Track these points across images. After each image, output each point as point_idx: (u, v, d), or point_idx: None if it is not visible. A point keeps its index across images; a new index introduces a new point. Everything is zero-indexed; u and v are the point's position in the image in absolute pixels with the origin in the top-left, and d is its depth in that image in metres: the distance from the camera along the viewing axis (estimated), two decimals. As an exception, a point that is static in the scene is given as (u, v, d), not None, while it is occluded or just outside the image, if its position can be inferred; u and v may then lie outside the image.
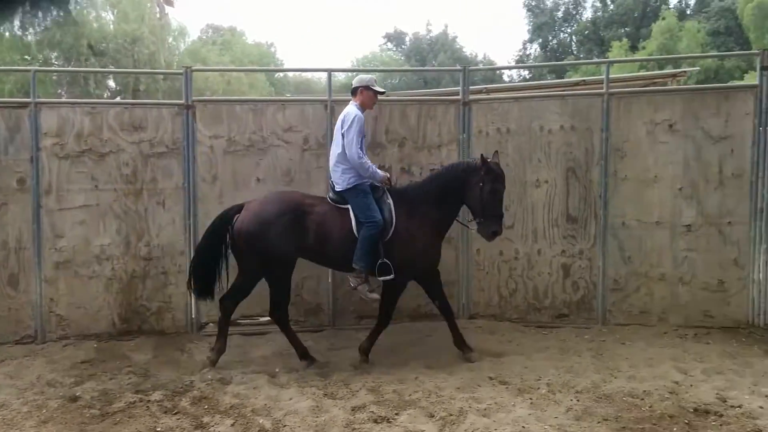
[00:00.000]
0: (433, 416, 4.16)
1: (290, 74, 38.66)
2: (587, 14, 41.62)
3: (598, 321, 6.20)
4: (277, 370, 5.21)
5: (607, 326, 6.15)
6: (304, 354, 5.36)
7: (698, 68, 14.39)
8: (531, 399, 4.44)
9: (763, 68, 5.82)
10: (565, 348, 5.60)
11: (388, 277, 5.17)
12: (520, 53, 44.07)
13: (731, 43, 31.48)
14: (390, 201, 5.29)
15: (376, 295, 5.28)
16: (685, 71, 10.72)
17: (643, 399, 4.39)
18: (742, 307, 5.98)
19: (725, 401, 4.31)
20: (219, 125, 6.22)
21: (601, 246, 6.17)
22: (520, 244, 6.33)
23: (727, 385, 4.61)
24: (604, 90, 6.14)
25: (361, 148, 5.26)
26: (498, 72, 36.97)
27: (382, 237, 5.16)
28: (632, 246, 6.13)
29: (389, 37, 49.54)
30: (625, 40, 34.25)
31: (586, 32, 39.86)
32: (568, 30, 42.68)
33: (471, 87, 6.79)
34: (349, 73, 11.92)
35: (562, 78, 26.33)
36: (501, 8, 71.60)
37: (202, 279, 5.37)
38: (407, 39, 49.24)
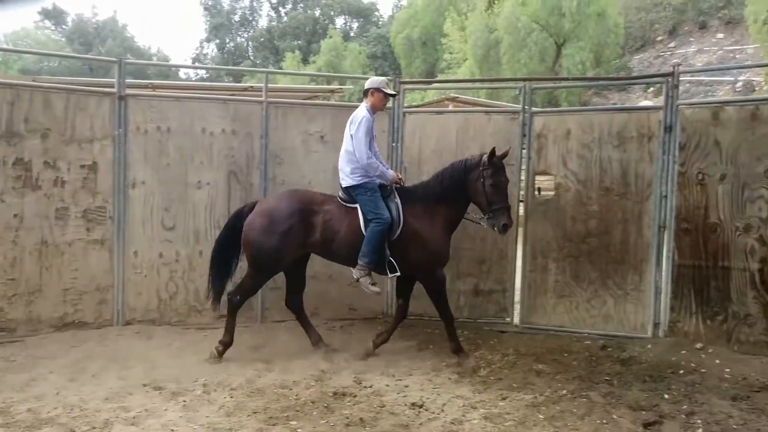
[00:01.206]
0: (73, 432, 3.83)
1: None
2: (263, 22, 43.13)
3: (257, 320, 6.46)
4: None
5: (265, 324, 6.44)
6: (317, 341, 5.62)
7: (352, 87, 16.24)
8: (185, 401, 4.41)
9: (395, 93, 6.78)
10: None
11: (395, 275, 5.35)
12: (197, 52, 43.41)
13: (386, 67, 36.03)
14: (398, 200, 5.38)
15: (377, 289, 5.43)
16: (341, 88, 11.91)
17: (291, 389, 4.71)
18: (378, 300, 6.86)
19: (360, 383, 4.89)
20: None
21: (260, 247, 6.44)
22: (181, 245, 6.24)
23: (364, 369, 5.24)
24: (263, 98, 6.44)
25: (369, 149, 5.35)
26: (174, 69, 35.75)
27: (389, 236, 5.23)
28: (289, 247, 6.54)
29: (47, 14, 43.78)
30: (297, 52, 36.41)
31: (262, 39, 41.26)
32: (245, 35, 43.59)
33: (141, 81, 6.43)
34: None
35: (240, 82, 26.78)
36: (179, 3, 69.47)
37: (217, 276, 5.50)
38: (69, 19, 44.18)
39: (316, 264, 6.63)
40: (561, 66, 26.19)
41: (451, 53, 30.58)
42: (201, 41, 44.30)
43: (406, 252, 5.34)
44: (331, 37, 36.28)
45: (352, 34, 42.33)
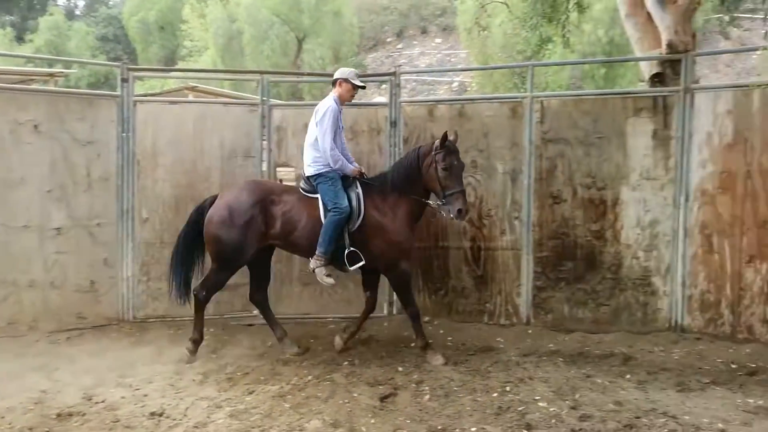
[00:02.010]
0: None
1: None
2: (-39, -10, 36.51)
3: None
4: None
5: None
6: (281, 337, 5.52)
7: (78, 71, 14.51)
8: None
9: (123, 80, 6.26)
10: None
11: (358, 265, 5.19)
12: None
13: (120, 50, 33.17)
14: (359, 190, 5.27)
15: (331, 280, 5.29)
16: (63, 72, 10.65)
17: (4, 417, 4.09)
18: (112, 305, 6.31)
19: (91, 399, 4.44)
20: None
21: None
22: None
23: (95, 383, 4.74)
24: (-47, 81, 5.45)
25: (334, 140, 5.23)
26: None
27: (349, 226, 5.13)
28: (-3, 253, 5.67)
29: None
30: (9, 29, 31.55)
31: (-39, 11, 34.93)
32: (-64, 3, 36.41)
33: None
34: None
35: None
36: None
37: (179, 271, 5.42)
38: None
39: (35, 269, 5.88)
40: (302, 60, 26.86)
41: (191, 41, 29.29)
42: None
43: (367, 243, 5.23)
44: (51, 14, 32.14)
45: (77, 13, 38.05)
